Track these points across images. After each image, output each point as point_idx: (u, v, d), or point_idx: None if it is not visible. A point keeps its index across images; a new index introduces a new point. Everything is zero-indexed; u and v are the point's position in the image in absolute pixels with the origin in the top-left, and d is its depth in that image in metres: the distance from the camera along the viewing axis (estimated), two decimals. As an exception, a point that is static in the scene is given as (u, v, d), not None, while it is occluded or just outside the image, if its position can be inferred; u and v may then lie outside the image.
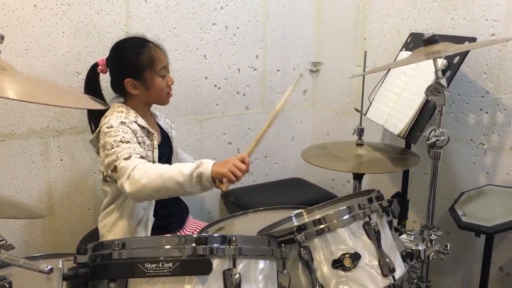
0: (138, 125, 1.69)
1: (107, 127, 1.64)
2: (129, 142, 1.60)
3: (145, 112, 1.80)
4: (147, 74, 1.72)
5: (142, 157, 1.60)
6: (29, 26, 1.93)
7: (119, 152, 1.57)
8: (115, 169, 1.56)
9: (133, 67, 1.72)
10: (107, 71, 1.79)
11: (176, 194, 1.62)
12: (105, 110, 1.74)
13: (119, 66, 1.76)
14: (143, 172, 1.51)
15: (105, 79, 1.83)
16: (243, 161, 1.55)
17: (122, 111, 1.71)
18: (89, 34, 2.04)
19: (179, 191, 1.52)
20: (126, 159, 1.55)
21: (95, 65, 1.80)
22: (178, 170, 1.50)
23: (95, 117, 1.81)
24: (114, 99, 1.81)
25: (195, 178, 1.49)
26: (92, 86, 1.80)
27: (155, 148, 1.71)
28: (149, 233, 1.74)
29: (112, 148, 1.58)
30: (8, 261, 0.97)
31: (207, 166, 1.50)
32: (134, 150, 1.59)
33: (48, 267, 0.93)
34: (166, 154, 1.84)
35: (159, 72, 1.74)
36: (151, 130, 1.72)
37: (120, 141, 1.59)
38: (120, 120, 1.65)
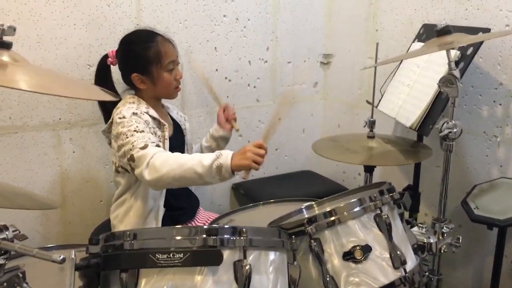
0: (150, 116, 1.69)
1: (119, 118, 1.64)
2: (143, 131, 1.61)
3: (156, 104, 1.81)
4: (154, 70, 1.72)
5: (157, 145, 1.60)
6: (41, 18, 1.94)
7: (134, 141, 1.57)
8: (131, 159, 1.56)
9: (140, 62, 1.72)
10: (116, 63, 1.80)
11: (195, 184, 1.63)
12: (117, 102, 1.75)
13: (127, 60, 1.77)
14: (163, 160, 1.51)
15: (117, 71, 1.83)
16: (260, 147, 1.53)
17: (133, 102, 1.72)
18: (100, 26, 2.05)
19: (199, 181, 1.52)
20: (142, 148, 1.55)
21: (105, 57, 1.81)
22: (198, 161, 1.50)
23: (106, 109, 1.82)
24: (125, 91, 1.82)
25: (214, 169, 1.49)
26: (102, 77, 1.81)
27: (166, 139, 1.72)
28: (159, 223, 1.75)
29: (127, 137, 1.59)
30: (21, 251, 0.98)
31: (226, 157, 1.50)
32: (149, 139, 1.59)
33: (61, 257, 0.93)
34: (178, 146, 1.85)
35: (167, 67, 1.73)
36: (162, 121, 1.73)
37: (134, 131, 1.60)
38: (132, 111, 1.65)
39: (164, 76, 1.73)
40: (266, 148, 1.55)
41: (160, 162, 1.51)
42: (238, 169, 1.51)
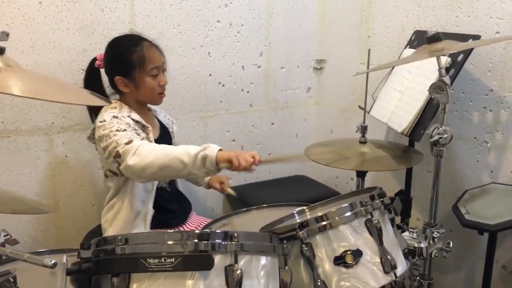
0: (132, 119, 1.69)
1: (100, 122, 1.65)
2: (125, 130, 1.61)
3: (140, 108, 1.81)
4: (137, 74, 1.72)
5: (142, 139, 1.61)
6: (34, 23, 1.94)
7: (118, 139, 1.57)
8: (117, 155, 1.56)
9: (123, 65, 1.73)
10: (103, 67, 1.81)
11: (180, 175, 1.63)
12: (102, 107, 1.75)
13: (111, 63, 1.78)
14: (149, 149, 1.52)
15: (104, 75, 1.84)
16: (253, 157, 1.54)
17: (115, 107, 1.72)
18: (94, 31, 2.05)
19: (183, 171, 1.51)
20: (127, 143, 1.55)
21: (94, 60, 1.82)
22: (184, 151, 1.51)
23: (95, 115, 1.82)
24: (112, 95, 1.83)
25: (199, 159, 1.49)
26: (91, 80, 1.82)
27: (151, 141, 1.72)
28: (148, 226, 1.75)
29: (110, 138, 1.59)
30: (12, 255, 0.98)
31: (213, 149, 1.50)
32: (132, 135, 1.60)
33: (52, 262, 0.94)
34: None
35: (150, 72, 1.73)
36: (145, 124, 1.73)
37: (117, 130, 1.60)
38: (113, 115, 1.66)
39: (146, 81, 1.74)
40: (258, 159, 1.56)
41: (147, 150, 1.51)
42: (222, 161, 1.50)
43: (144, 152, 1.51)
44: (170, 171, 1.52)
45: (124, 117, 1.67)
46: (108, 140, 1.59)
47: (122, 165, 1.55)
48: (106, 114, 1.67)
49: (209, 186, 2.07)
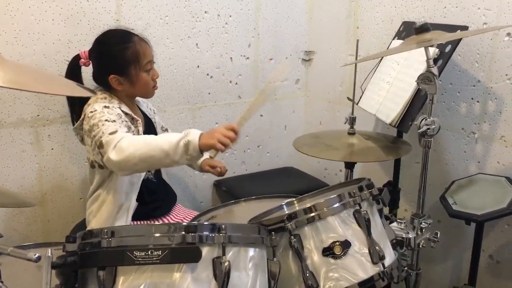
0: (122, 111, 1.68)
1: (91, 112, 1.63)
2: (114, 121, 1.59)
3: (129, 101, 1.79)
4: (133, 70, 1.70)
5: (128, 132, 1.59)
6: (18, 13, 1.90)
7: (105, 128, 1.55)
8: (101, 145, 1.54)
9: (118, 64, 1.69)
10: (89, 64, 1.77)
11: (163, 164, 1.60)
12: (87, 99, 1.73)
13: (103, 62, 1.74)
14: (129, 141, 1.49)
15: (85, 71, 1.81)
16: (232, 130, 1.50)
17: (105, 98, 1.70)
18: (79, 22, 2.02)
19: (166, 160, 1.48)
20: (111, 133, 1.53)
21: (77, 58, 1.78)
22: (165, 139, 1.49)
23: (75, 107, 1.80)
24: (96, 89, 1.80)
25: (182, 147, 1.46)
26: (73, 78, 1.76)
27: (141, 134, 1.70)
28: (129, 218, 1.73)
29: (98, 127, 1.57)
30: (-5, 249, 0.96)
31: (194, 135, 1.47)
32: (120, 127, 1.57)
33: (36, 255, 0.92)
34: None
35: (145, 67, 1.71)
36: (135, 116, 1.71)
37: (106, 120, 1.58)
38: (104, 105, 1.64)
39: (142, 77, 1.72)
40: (238, 130, 1.51)
41: (127, 142, 1.49)
42: (205, 148, 1.47)
43: (125, 144, 1.48)
44: (152, 161, 1.48)
45: (115, 108, 1.65)
46: (96, 129, 1.57)
47: (104, 158, 1.53)
48: (97, 105, 1.65)
49: (201, 169, 2.01)
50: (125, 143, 1.49)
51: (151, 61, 1.75)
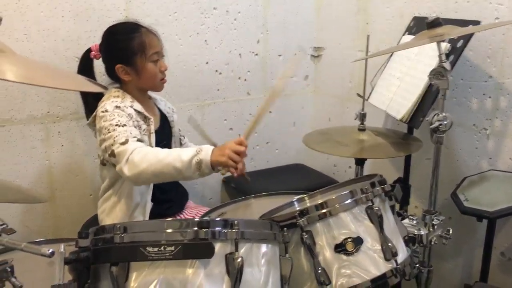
0: (134, 109, 1.68)
1: (102, 111, 1.63)
2: (124, 125, 1.59)
3: (142, 96, 1.79)
4: (138, 60, 1.70)
5: (139, 140, 1.59)
6: (28, 10, 1.91)
7: (116, 136, 1.56)
8: (112, 154, 1.56)
9: (123, 53, 1.70)
10: (100, 57, 1.78)
11: (175, 179, 1.62)
12: (101, 95, 1.73)
13: (110, 52, 1.75)
14: (142, 156, 1.50)
15: (100, 65, 1.81)
16: (241, 144, 1.53)
17: (118, 96, 1.70)
18: (88, 18, 2.02)
19: (178, 176, 1.53)
20: (123, 143, 1.54)
21: (88, 51, 1.79)
22: (177, 156, 1.50)
23: (88, 103, 1.81)
24: (110, 85, 1.80)
25: (194, 165, 1.49)
26: (85, 72, 1.78)
27: (152, 133, 1.70)
28: (147, 218, 1.74)
29: (109, 132, 1.58)
30: (9, 245, 0.96)
31: (206, 152, 1.50)
32: (131, 133, 1.58)
33: (50, 251, 0.92)
34: (164, 139, 1.83)
35: (151, 58, 1.71)
36: (147, 115, 1.71)
37: (116, 125, 1.58)
38: (115, 105, 1.64)
39: (148, 67, 1.71)
40: (246, 144, 1.55)
41: (139, 157, 1.50)
42: (216, 164, 1.51)
43: (137, 159, 1.50)
44: (164, 177, 1.53)
45: (127, 107, 1.65)
46: (106, 134, 1.59)
47: (117, 168, 1.56)
48: (108, 104, 1.65)
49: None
50: (137, 158, 1.50)
51: (159, 52, 1.74)
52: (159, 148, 1.59)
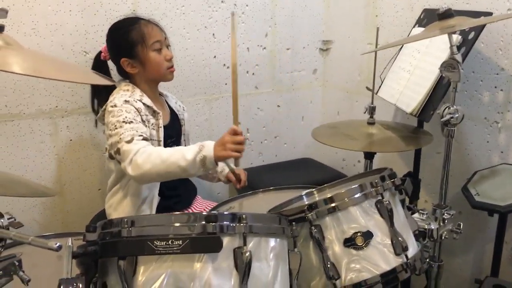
0: (143, 103, 1.68)
1: (111, 106, 1.64)
2: (131, 122, 1.60)
3: (152, 91, 1.79)
4: (140, 50, 1.70)
5: (144, 138, 1.60)
6: (35, 4, 1.90)
7: (122, 133, 1.57)
8: (118, 152, 1.58)
9: (125, 45, 1.71)
10: (109, 57, 1.80)
11: (180, 177, 1.63)
12: (112, 89, 1.74)
13: (114, 48, 1.76)
14: (145, 157, 1.52)
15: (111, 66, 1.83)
16: (236, 133, 1.53)
17: (128, 90, 1.71)
18: (96, 12, 2.02)
19: (183, 174, 1.55)
20: (128, 142, 1.56)
21: (99, 53, 1.81)
22: (181, 155, 1.51)
23: (100, 96, 1.82)
24: (120, 81, 1.81)
25: (198, 162, 1.51)
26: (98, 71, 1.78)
27: (161, 127, 1.70)
28: (154, 212, 1.74)
29: (115, 128, 1.59)
30: (16, 238, 0.96)
31: (209, 149, 1.51)
32: (137, 131, 1.59)
33: (57, 245, 0.92)
34: (174, 135, 1.83)
35: (152, 47, 1.71)
36: (156, 109, 1.71)
37: (123, 122, 1.59)
38: (124, 99, 1.65)
39: (151, 56, 1.71)
40: (241, 131, 1.55)
41: (143, 158, 1.52)
42: (221, 160, 1.53)
43: (140, 161, 1.52)
44: (169, 176, 1.56)
45: (136, 101, 1.66)
46: (113, 130, 1.60)
47: (122, 166, 1.59)
48: (117, 98, 1.66)
49: (228, 180, 1.99)
50: (140, 159, 1.52)
51: (161, 41, 1.74)
52: (162, 148, 1.62)
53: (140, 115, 1.65)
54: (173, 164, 1.51)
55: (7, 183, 1.35)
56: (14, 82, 1.93)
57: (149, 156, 1.52)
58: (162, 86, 1.90)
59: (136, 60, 1.71)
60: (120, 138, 1.57)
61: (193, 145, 1.56)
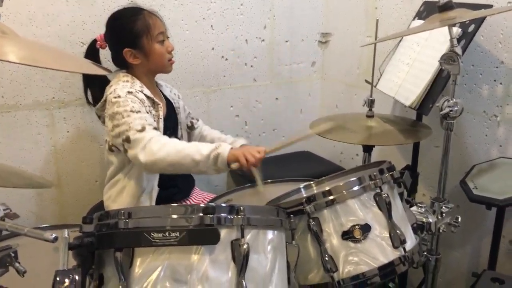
0: (144, 94, 1.67)
1: (115, 97, 1.62)
2: (139, 111, 1.60)
3: (150, 82, 1.78)
4: (145, 42, 1.69)
5: (155, 128, 1.60)
6: (32, -6, 1.89)
7: (131, 122, 1.56)
8: (127, 140, 1.56)
9: (129, 36, 1.69)
10: (106, 46, 1.77)
11: (190, 172, 1.64)
12: (107, 80, 1.73)
13: (116, 37, 1.74)
14: (161, 145, 1.52)
15: (103, 55, 1.80)
16: (259, 152, 1.56)
17: (127, 81, 1.69)
18: (93, 3, 2.00)
19: (194, 169, 1.55)
20: (139, 130, 1.55)
21: (94, 42, 1.79)
22: (196, 149, 1.53)
23: (94, 87, 1.81)
24: (117, 71, 1.79)
25: (212, 159, 1.52)
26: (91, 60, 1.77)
27: (161, 119, 1.70)
28: (153, 203, 1.74)
29: (123, 118, 1.58)
30: (12, 229, 0.95)
31: (225, 148, 1.53)
32: (146, 120, 1.59)
33: (53, 236, 0.91)
34: (172, 126, 1.82)
35: (157, 38, 1.71)
36: (156, 100, 1.70)
37: (131, 111, 1.58)
38: (127, 90, 1.63)
39: (155, 48, 1.71)
40: (264, 155, 1.58)
41: (158, 146, 1.52)
42: (231, 160, 1.53)
43: (155, 148, 1.52)
44: (180, 168, 1.55)
45: (138, 93, 1.65)
46: (121, 119, 1.58)
47: (130, 154, 1.57)
48: (119, 89, 1.64)
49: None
50: (156, 146, 1.52)
51: (163, 33, 1.74)
52: (176, 139, 1.62)
53: (144, 107, 1.64)
54: (187, 156, 1.51)
55: (4, 174, 1.34)
56: (11, 72, 1.91)
57: (164, 145, 1.53)
58: (159, 77, 1.89)
59: (140, 51, 1.70)
60: (129, 127, 1.56)
61: (211, 144, 1.58)
